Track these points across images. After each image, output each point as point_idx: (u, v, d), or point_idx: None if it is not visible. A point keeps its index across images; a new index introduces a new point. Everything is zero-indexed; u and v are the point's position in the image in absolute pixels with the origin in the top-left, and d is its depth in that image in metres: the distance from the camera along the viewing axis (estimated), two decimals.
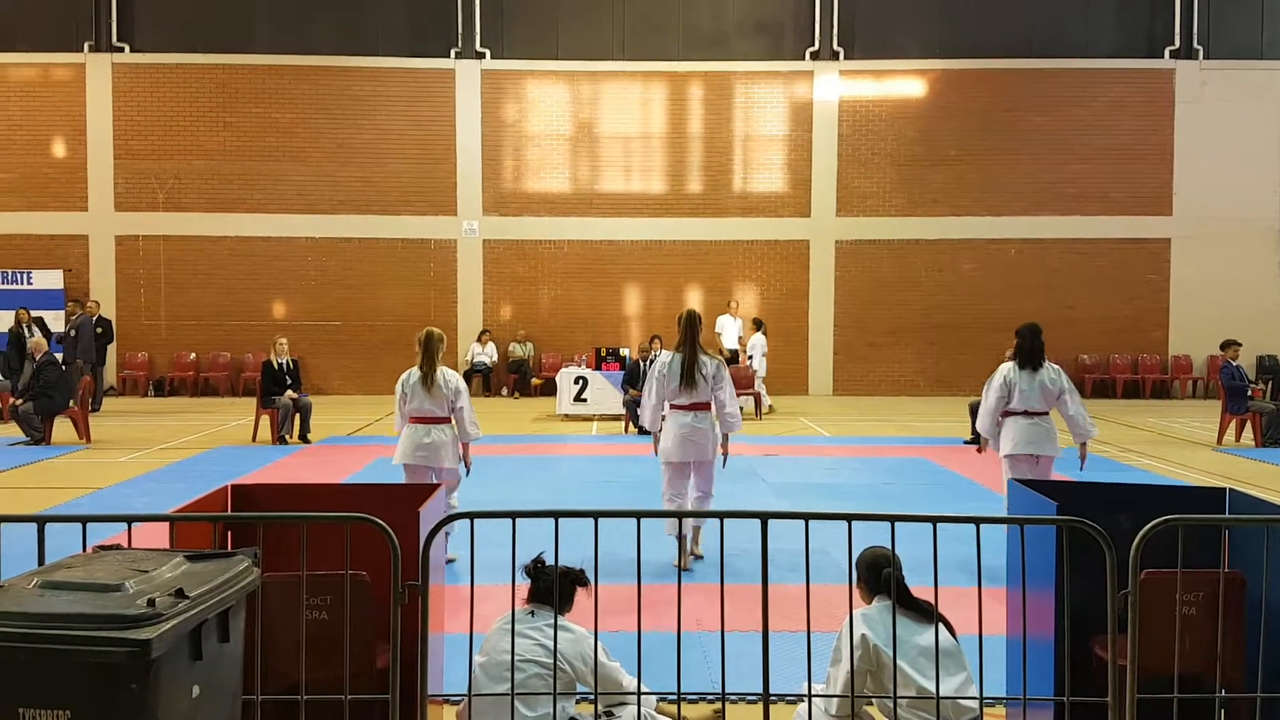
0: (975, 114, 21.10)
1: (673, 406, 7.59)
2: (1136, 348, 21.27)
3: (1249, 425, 14.00)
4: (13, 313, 19.82)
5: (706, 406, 7.58)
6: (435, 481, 7.12)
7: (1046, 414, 7.60)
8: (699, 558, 7.72)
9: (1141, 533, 3.53)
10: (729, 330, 19.05)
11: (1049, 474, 7.57)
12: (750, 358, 18.02)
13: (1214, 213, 20.95)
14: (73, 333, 17.30)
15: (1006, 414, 7.66)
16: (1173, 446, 14.02)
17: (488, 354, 20.54)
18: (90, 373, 16.83)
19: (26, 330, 17.30)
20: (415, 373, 7.44)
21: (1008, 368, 7.71)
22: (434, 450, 7.33)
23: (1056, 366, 7.73)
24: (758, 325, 18.62)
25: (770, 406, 17.96)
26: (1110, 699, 3.61)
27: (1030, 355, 7.59)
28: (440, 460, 7.36)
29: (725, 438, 7.68)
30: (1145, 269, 21.27)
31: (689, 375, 7.46)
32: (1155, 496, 4.45)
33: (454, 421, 7.48)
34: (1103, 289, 21.17)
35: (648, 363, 13.92)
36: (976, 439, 9.80)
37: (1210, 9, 21.07)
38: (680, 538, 6.92)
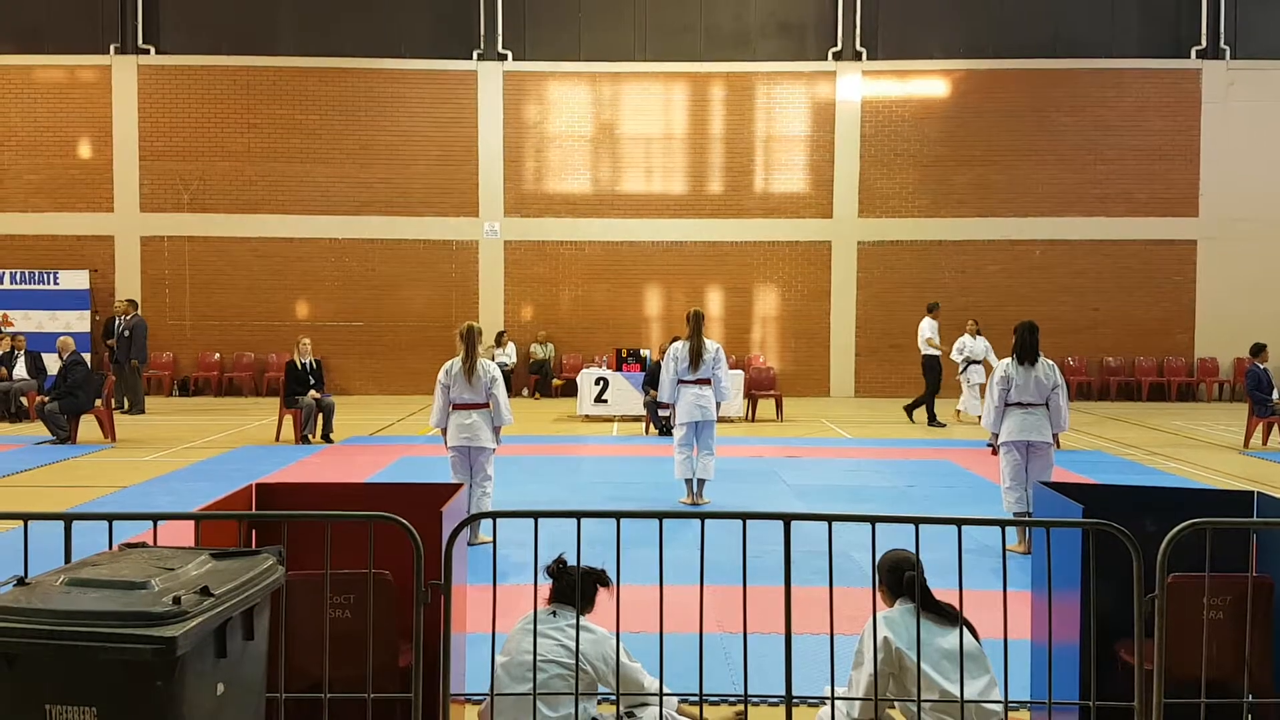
0: (999, 114, 20.97)
1: (683, 381, 9.79)
2: (1162, 350, 21.05)
3: (1276, 428, 13.85)
4: (41, 313, 20.08)
5: (708, 382, 9.79)
6: (472, 464, 8.15)
7: (1040, 405, 7.95)
8: (706, 504, 9.70)
9: (1169, 536, 3.50)
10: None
11: (1044, 460, 7.97)
12: (971, 363, 16.30)
13: (1241, 214, 20.73)
14: (127, 333, 17.45)
15: (1004, 405, 8.05)
16: (1199, 449, 13.89)
17: (507, 355, 20.56)
18: (119, 372, 16.99)
19: None
20: (458, 363, 8.20)
21: (1006, 363, 8.11)
22: (474, 430, 8.15)
23: (1051, 362, 8.11)
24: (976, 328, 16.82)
25: (958, 411, 16.65)
26: (1136, 703, 3.58)
27: (1027, 351, 7.97)
28: (480, 440, 8.15)
29: (718, 404, 9.92)
30: (1171, 270, 21.08)
31: (696, 357, 9.74)
32: (1182, 500, 4.40)
33: (491, 406, 8.22)
34: (1128, 291, 20.99)
35: None
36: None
37: (1237, 9, 20.85)
38: (689, 481, 9.73)
